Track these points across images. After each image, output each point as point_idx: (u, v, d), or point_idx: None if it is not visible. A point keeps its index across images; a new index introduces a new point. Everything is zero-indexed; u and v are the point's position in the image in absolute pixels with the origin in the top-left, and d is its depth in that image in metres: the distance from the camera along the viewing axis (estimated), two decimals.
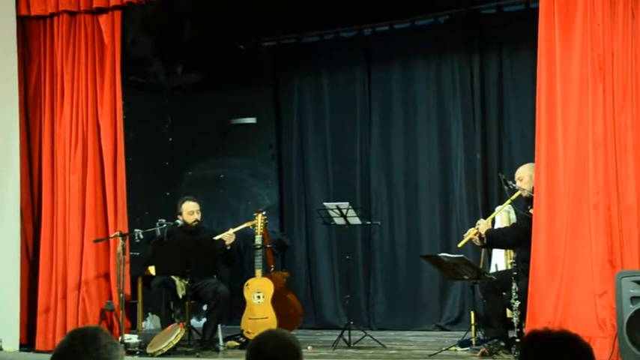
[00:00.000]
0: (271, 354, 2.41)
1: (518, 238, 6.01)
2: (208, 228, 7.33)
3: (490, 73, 7.98)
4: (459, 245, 6.25)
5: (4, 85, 6.88)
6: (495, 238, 6.18)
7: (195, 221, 6.90)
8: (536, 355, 2.22)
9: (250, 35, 8.75)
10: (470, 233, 6.17)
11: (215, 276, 6.91)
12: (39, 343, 6.78)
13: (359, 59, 8.55)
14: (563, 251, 5.55)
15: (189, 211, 6.91)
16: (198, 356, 6.13)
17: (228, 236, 6.85)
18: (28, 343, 6.85)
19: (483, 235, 6.08)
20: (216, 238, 6.80)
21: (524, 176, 6.14)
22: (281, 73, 8.98)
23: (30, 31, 7.21)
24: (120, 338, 6.21)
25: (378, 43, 8.47)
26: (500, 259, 6.86)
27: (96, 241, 6.75)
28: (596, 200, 5.50)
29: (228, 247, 6.85)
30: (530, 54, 6.58)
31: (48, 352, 6.30)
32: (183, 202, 7.01)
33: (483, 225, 6.12)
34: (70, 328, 6.00)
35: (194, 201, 7.01)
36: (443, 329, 7.77)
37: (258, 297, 6.89)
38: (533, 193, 5.87)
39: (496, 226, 6.51)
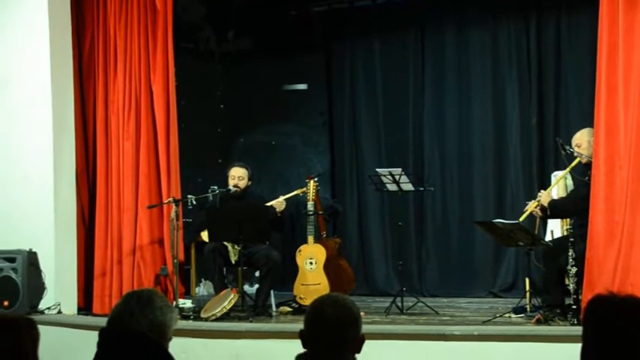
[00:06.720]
0: (330, 318, 2.39)
1: (579, 206, 5.85)
2: (258, 194, 7.29)
3: (547, 36, 7.78)
4: (521, 219, 5.99)
5: (58, 53, 6.91)
6: (558, 208, 5.97)
7: (235, 186, 6.91)
8: (599, 320, 2.12)
9: (301, 0, 8.66)
10: (531, 206, 6.00)
11: (267, 242, 6.93)
12: (96, 307, 6.89)
13: (412, 23, 8.40)
14: (622, 217, 5.40)
15: (231, 176, 6.95)
16: (251, 321, 6.17)
17: (279, 204, 6.85)
18: (85, 306, 6.97)
19: (546, 206, 5.94)
20: (267, 205, 6.81)
21: (582, 142, 5.95)
22: (333, 38, 8.88)
23: None
24: (174, 303, 6.27)
25: (431, 7, 8.30)
26: (556, 226, 6.72)
27: (149, 207, 6.78)
28: None
29: (279, 215, 6.85)
30: (590, 15, 6.38)
31: (105, 315, 6.39)
32: (230, 168, 7.04)
33: (545, 196, 5.94)
34: (125, 292, 6.07)
35: (240, 167, 6.99)
36: (496, 296, 7.69)
37: (311, 263, 6.90)
38: (592, 158, 5.70)
39: (552, 194, 6.35)
